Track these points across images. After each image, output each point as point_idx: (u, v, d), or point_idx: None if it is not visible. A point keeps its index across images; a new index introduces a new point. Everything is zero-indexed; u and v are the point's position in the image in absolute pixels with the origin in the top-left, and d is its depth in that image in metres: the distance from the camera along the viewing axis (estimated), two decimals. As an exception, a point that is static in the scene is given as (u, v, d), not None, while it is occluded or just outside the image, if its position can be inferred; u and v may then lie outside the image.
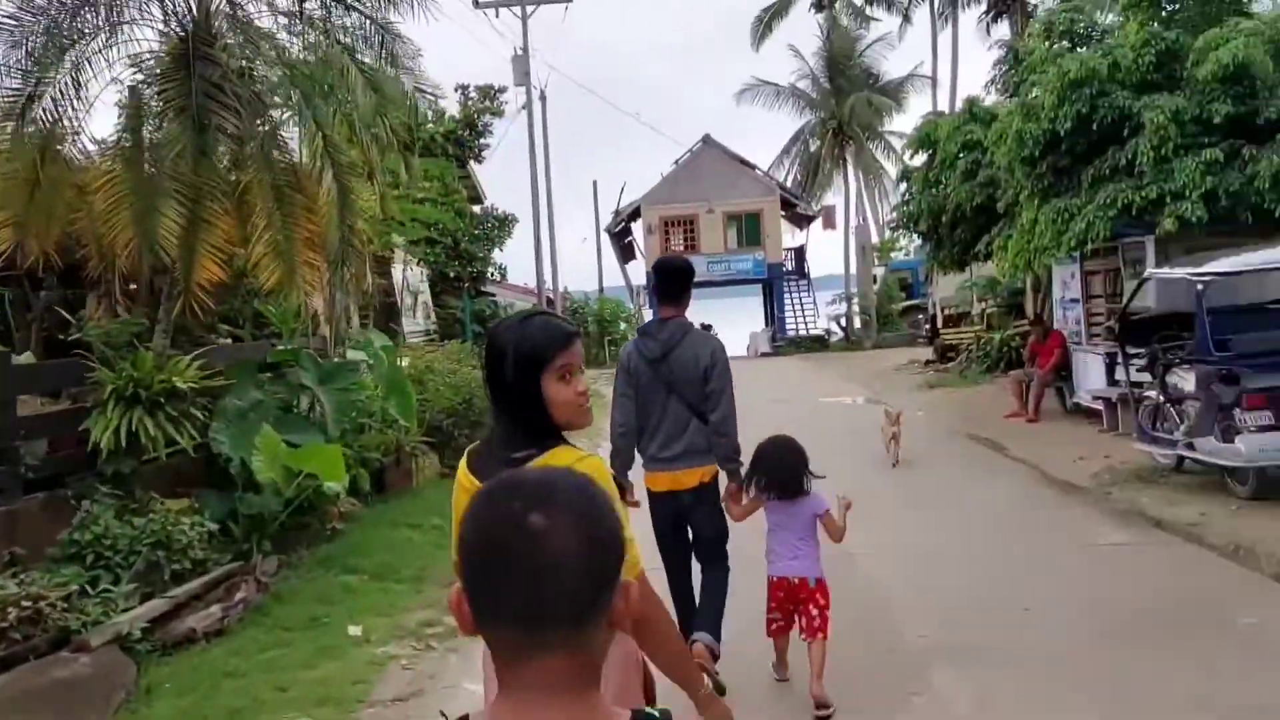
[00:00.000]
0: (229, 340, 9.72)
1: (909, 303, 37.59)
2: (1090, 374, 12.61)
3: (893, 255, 47.09)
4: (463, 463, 2.38)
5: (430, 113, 24.89)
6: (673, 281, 4.74)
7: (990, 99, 15.82)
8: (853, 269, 36.65)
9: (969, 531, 7.89)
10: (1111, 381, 12.15)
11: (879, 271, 37.64)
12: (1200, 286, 7.68)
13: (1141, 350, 9.09)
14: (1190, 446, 7.99)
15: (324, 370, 8.29)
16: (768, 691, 4.78)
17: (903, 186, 16.68)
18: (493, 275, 25.68)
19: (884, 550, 7.01)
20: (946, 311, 24.97)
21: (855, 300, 35.05)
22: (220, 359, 8.01)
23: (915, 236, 16.56)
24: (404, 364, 10.70)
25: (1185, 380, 8.49)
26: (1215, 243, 11.24)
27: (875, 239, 39.30)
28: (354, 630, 5.89)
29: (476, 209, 25.49)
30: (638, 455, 4.75)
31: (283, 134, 8.36)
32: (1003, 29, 26.54)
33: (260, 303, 9.84)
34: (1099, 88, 11.08)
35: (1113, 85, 11.12)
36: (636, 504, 4.60)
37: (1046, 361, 13.62)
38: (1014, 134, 11.84)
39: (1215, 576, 6.28)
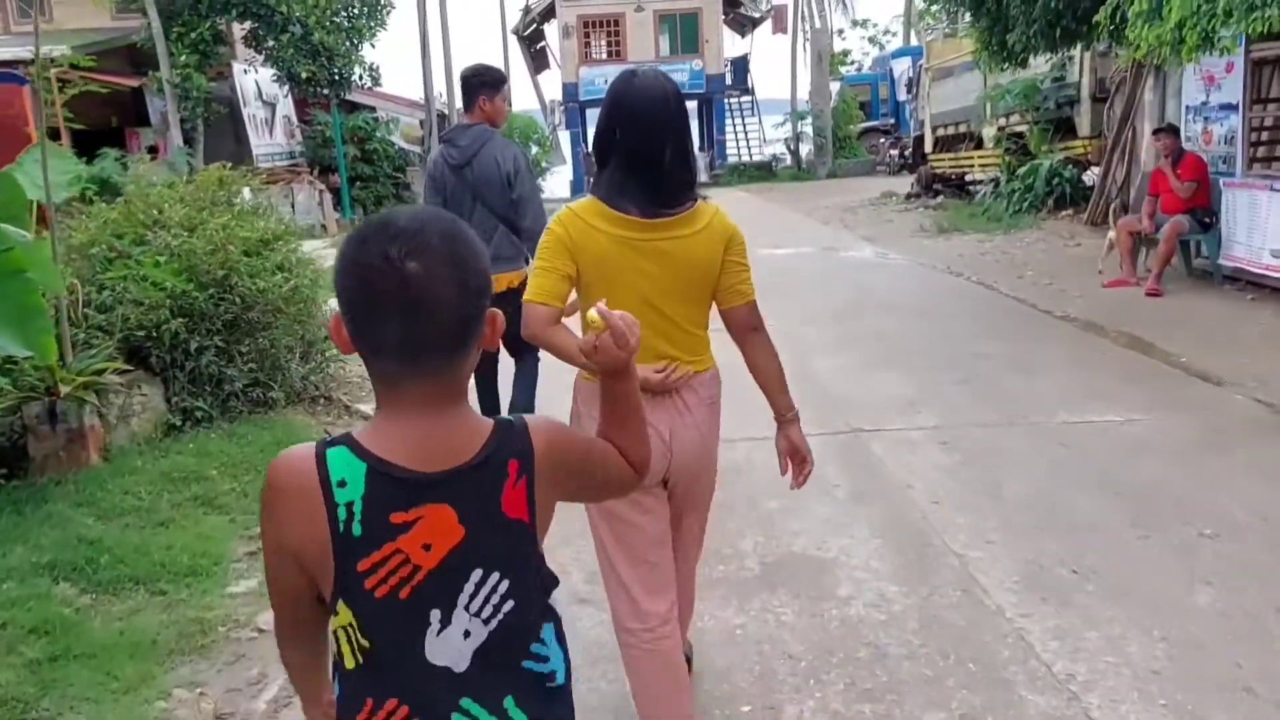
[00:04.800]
0: None
1: (867, 124, 32.51)
2: (1272, 223, 7.93)
3: (843, 70, 41.66)
4: (581, 211, 2.43)
5: None
6: (466, 89, 4.68)
7: None
8: (804, 83, 31.09)
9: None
10: (1316, 237, 7.55)
11: (834, 87, 32.18)
12: None
13: None
14: None
15: None
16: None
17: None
18: (361, 80, 19.67)
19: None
20: (939, 132, 20.00)
21: (810, 120, 29.67)
22: None
23: (963, 14, 11.21)
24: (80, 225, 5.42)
25: None
26: None
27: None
28: None
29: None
30: None
31: None
32: None
33: None
34: None
35: None
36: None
37: (1177, 202, 8.90)
38: None
39: None
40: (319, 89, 19.01)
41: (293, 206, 18.62)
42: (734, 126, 32.35)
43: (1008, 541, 3.89)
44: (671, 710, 2.50)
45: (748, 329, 2.52)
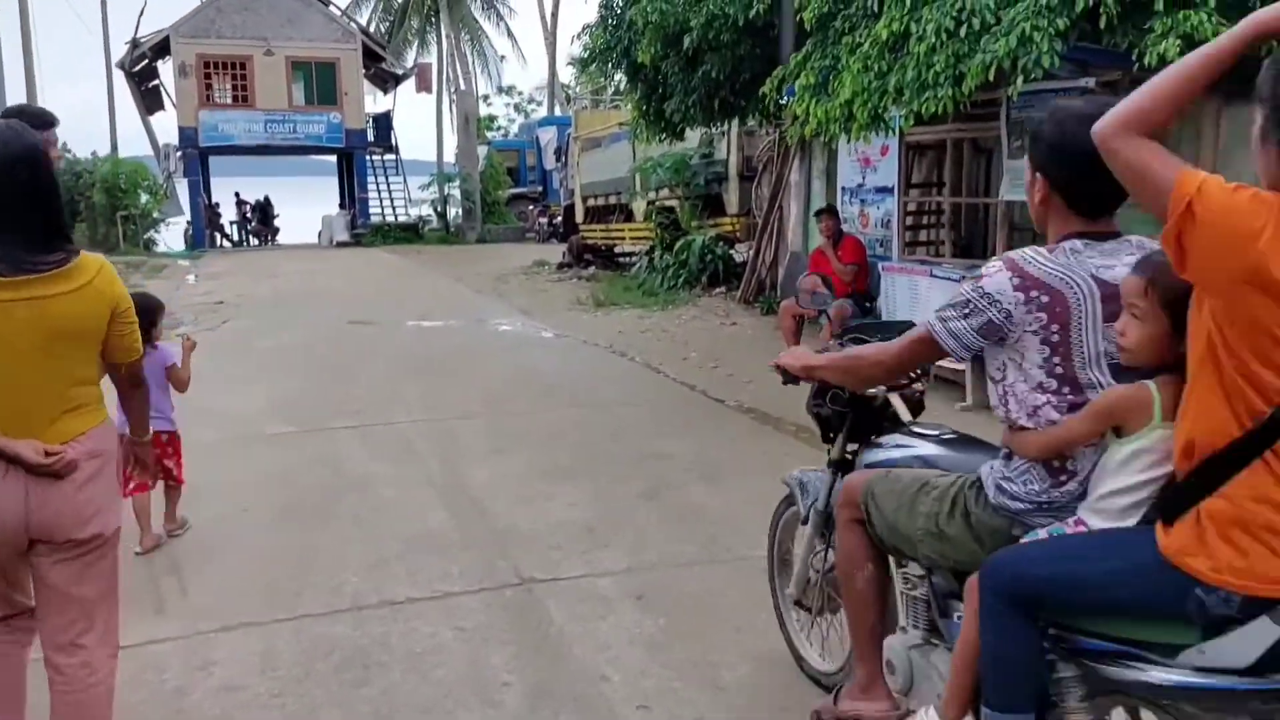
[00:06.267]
0: None
1: (515, 191, 32.12)
2: (933, 310, 7.77)
3: (490, 135, 41.33)
4: None
5: None
6: None
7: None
8: (450, 145, 30.09)
9: None
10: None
11: (481, 151, 31.49)
12: None
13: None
14: None
15: None
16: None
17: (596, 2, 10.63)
18: (-101, 103, 15.89)
19: None
20: (590, 203, 19.66)
21: (458, 183, 28.62)
22: None
23: (617, 78, 10.60)
24: None
25: None
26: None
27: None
28: None
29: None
30: None
31: None
32: None
33: None
34: None
35: None
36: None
37: (840, 285, 8.65)
38: None
39: None
40: None
41: None
42: (377, 185, 30.55)
43: (751, 779, 2.77)
44: None
45: (130, 383, 2.63)
